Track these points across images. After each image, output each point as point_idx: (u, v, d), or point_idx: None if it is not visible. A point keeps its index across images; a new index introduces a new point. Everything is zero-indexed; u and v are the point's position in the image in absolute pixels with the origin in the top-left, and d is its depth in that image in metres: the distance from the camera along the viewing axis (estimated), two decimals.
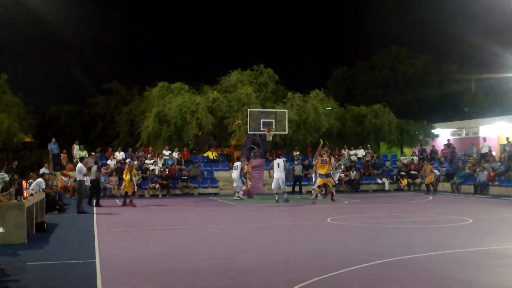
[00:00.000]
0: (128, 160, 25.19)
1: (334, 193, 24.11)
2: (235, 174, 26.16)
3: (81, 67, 64.97)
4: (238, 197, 25.75)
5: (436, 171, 29.32)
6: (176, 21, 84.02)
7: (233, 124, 33.87)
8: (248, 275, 9.19)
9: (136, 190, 23.55)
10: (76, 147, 31.92)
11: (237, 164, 26.43)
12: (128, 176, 22.68)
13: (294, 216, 19.33)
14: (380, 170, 33.07)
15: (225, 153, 38.72)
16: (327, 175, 23.10)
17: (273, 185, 24.17)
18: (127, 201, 22.88)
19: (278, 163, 24.23)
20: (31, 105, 41.49)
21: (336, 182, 25.65)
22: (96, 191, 22.95)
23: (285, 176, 24.62)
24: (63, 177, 27.50)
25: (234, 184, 26.40)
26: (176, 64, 73.27)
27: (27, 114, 39.04)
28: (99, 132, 46.01)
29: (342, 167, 28.55)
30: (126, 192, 22.95)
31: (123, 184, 23.42)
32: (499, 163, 29.92)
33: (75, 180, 23.88)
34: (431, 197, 26.30)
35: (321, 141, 24.75)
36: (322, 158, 23.19)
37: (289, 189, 28.17)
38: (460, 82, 49.68)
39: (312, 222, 16.96)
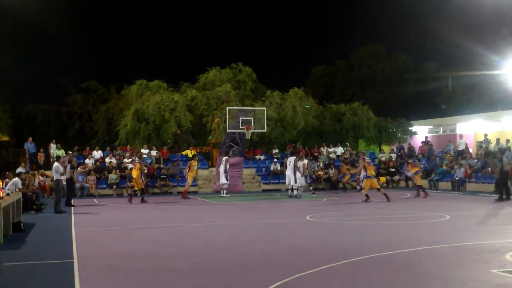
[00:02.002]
0: (137, 158, 25.29)
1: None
2: (221, 168, 26.63)
3: (58, 65, 64.28)
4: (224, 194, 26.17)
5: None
6: (154, 18, 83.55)
7: (212, 122, 33.77)
8: (227, 273, 9.16)
9: (144, 187, 24.50)
10: (53, 146, 31.58)
11: (223, 159, 26.86)
12: (138, 174, 23.37)
13: (273, 214, 19.36)
14: None
15: (204, 151, 38.59)
16: (374, 176, 23.04)
17: (286, 182, 25.83)
18: (139, 197, 23.77)
19: (290, 161, 25.44)
20: (7, 104, 40.94)
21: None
22: (69, 191, 22.78)
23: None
24: (40, 177, 27.18)
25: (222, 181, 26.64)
26: (154, 62, 72.85)
27: (3, 113, 38.54)
28: (76, 131, 45.51)
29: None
30: (142, 190, 23.88)
31: (133, 183, 24.18)
32: (475, 160, 30.24)
33: (52, 179, 23.61)
34: (409, 194, 26.49)
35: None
36: (367, 161, 23.50)
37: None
38: (438, 80, 50.16)
39: (291, 220, 16.99)
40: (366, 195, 22.09)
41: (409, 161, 26.99)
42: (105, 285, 8.55)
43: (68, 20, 65.17)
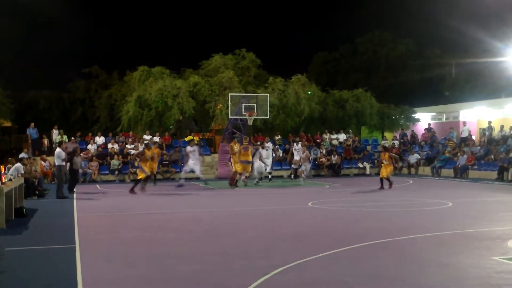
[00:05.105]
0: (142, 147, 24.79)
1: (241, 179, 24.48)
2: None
3: (60, 50, 64.12)
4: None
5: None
6: (157, 4, 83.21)
7: (214, 108, 33.74)
8: (229, 260, 9.16)
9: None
10: (55, 131, 31.59)
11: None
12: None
13: (275, 200, 19.36)
14: (361, 154, 33.21)
15: (207, 137, 38.58)
16: (248, 162, 24.07)
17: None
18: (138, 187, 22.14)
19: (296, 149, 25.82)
20: (9, 89, 40.91)
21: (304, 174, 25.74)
22: (72, 178, 22.48)
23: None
24: (42, 162, 27.21)
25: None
26: (156, 48, 72.64)
27: (5, 98, 38.52)
28: (79, 117, 45.55)
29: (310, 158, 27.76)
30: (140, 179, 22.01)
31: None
32: (478, 147, 30.20)
33: (54, 165, 23.58)
34: (411, 181, 26.46)
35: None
36: (243, 146, 24.09)
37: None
38: (442, 67, 49.91)
39: (293, 207, 17.00)
40: (236, 180, 23.84)
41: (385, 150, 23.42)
42: (106, 270, 8.56)
43: (70, 5, 64.99)
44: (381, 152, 23.35)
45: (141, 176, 21.81)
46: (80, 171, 26.96)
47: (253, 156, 24.89)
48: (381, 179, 22.13)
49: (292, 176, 26.89)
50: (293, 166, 26.65)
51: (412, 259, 9.10)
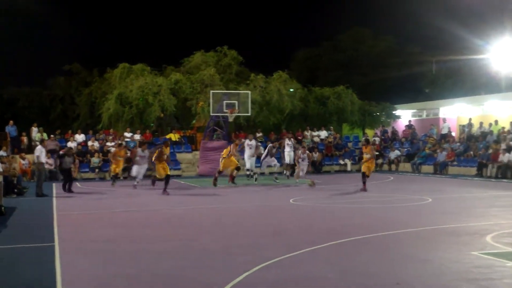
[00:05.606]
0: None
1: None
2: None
3: (40, 47, 63.42)
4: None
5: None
6: (138, 0, 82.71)
7: (196, 106, 33.66)
8: (211, 256, 9.15)
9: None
10: (34, 129, 31.26)
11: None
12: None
13: (256, 198, 19.34)
14: (343, 151, 33.35)
15: (188, 135, 38.45)
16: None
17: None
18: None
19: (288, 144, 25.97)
20: None
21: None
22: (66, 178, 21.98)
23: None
24: (21, 160, 26.92)
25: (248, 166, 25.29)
26: (137, 45, 72.17)
27: None
28: (58, 114, 45.17)
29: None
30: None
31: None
32: (458, 144, 30.47)
33: (34, 163, 23.33)
34: (392, 177, 26.63)
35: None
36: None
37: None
38: (422, 64, 50.26)
39: (275, 204, 17.02)
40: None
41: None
42: (86, 268, 8.50)
43: (50, 2, 64.33)
44: (363, 146, 22.51)
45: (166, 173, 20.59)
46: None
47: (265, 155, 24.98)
48: (363, 174, 20.64)
49: (288, 173, 26.56)
50: (287, 162, 26.57)
51: (392, 254, 9.17)
